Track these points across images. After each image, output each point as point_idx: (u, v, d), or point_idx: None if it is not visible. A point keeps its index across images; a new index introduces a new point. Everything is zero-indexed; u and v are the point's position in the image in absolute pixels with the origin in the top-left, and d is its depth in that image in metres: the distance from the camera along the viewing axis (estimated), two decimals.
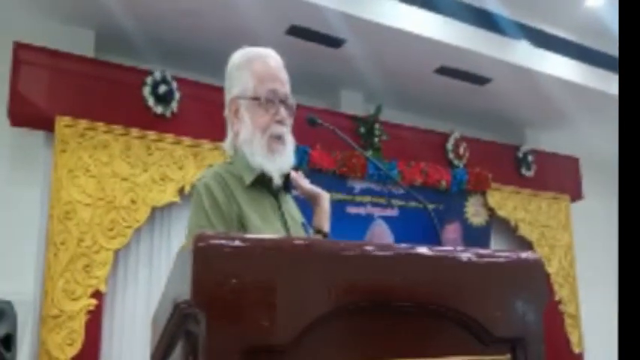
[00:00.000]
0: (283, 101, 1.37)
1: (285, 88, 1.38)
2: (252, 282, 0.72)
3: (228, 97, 1.41)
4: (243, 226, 1.24)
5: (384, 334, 0.83)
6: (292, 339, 0.73)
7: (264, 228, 1.26)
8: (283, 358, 0.73)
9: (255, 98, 1.35)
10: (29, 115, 3.18)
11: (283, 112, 1.36)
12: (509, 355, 0.92)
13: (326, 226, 1.49)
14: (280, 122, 1.36)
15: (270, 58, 1.39)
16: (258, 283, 0.73)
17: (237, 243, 0.73)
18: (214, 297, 0.70)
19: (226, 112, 1.41)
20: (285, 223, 1.34)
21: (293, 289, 0.74)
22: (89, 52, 3.48)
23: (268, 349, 0.72)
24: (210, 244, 0.71)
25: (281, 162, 1.34)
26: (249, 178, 1.32)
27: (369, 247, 0.84)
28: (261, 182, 1.34)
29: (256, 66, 1.37)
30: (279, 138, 1.35)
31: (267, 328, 0.71)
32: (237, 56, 1.42)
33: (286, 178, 1.40)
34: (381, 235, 4.09)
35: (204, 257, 0.70)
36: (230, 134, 1.41)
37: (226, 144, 1.42)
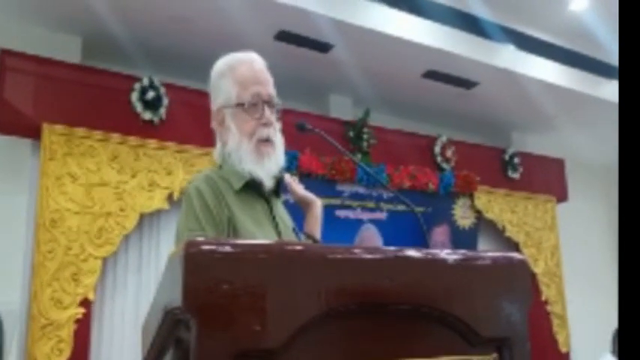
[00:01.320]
0: (267, 102, 1.36)
1: (268, 88, 1.37)
2: (243, 287, 0.73)
3: (214, 108, 1.41)
4: (234, 229, 1.24)
5: (373, 335, 0.84)
6: (283, 343, 0.74)
7: (257, 232, 1.27)
8: None
9: (239, 104, 1.35)
10: (16, 123, 3.15)
11: (268, 113, 1.35)
12: (495, 355, 0.94)
13: (317, 233, 1.50)
14: (266, 125, 1.35)
15: (252, 62, 1.39)
16: (249, 288, 0.73)
17: (227, 249, 0.74)
18: (205, 303, 0.70)
19: (213, 124, 1.41)
20: (276, 227, 1.35)
21: (283, 293, 0.75)
22: (76, 59, 3.47)
23: (259, 353, 0.73)
24: (201, 250, 0.72)
25: (270, 165, 1.34)
26: (238, 184, 1.32)
27: (357, 251, 0.85)
28: (252, 186, 1.34)
29: (238, 72, 1.37)
30: (267, 140, 1.35)
31: (258, 332, 0.72)
32: (219, 65, 1.41)
33: (277, 182, 1.40)
34: (370, 238, 4.11)
35: (195, 263, 0.71)
36: (218, 144, 1.41)
37: (215, 153, 1.42)
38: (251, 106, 1.34)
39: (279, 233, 1.34)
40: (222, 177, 1.33)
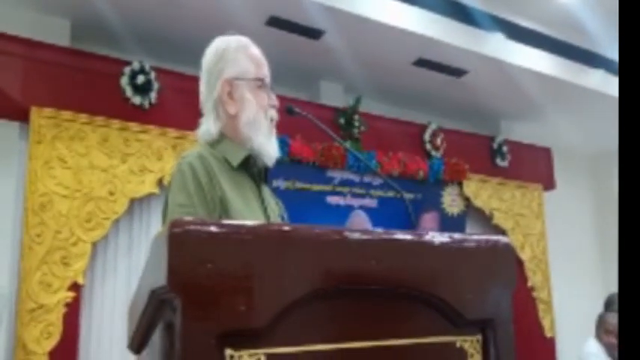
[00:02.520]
0: (271, 89, 1.42)
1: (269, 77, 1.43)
2: (228, 267, 0.74)
3: (217, 79, 1.37)
4: (225, 209, 1.23)
5: (359, 316, 0.85)
6: (268, 322, 0.75)
7: (246, 212, 1.27)
8: (259, 341, 0.74)
9: (258, 79, 1.38)
10: (3, 106, 3.11)
11: (274, 97, 1.41)
12: (479, 336, 0.95)
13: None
14: (274, 107, 1.40)
15: (257, 48, 1.43)
16: (234, 268, 0.74)
17: (212, 229, 0.75)
18: (190, 282, 0.71)
19: (214, 96, 1.36)
20: (265, 210, 1.35)
21: (269, 273, 0.76)
22: (65, 42, 3.42)
23: (244, 332, 0.74)
24: (186, 230, 0.72)
25: (276, 145, 1.39)
26: (236, 160, 1.32)
27: (344, 232, 0.86)
28: (245, 167, 1.35)
29: (251, 51, 1.40)
30: (272, 121, 1.40)
31: (243, 312, 0.73)
32: (228, 40, 1.42)
33: (266, 167, 1.41)
34: (360, 224, 4.13)
35: (180, 243, 0.71)
36: (215, 121, 1.36)
37: (209, 129, 1.37)
38: (265, 85, 1.39)
39: (267, 217, 1.35)
40: (215, 155, 1.32)
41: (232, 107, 1.36)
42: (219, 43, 1.42)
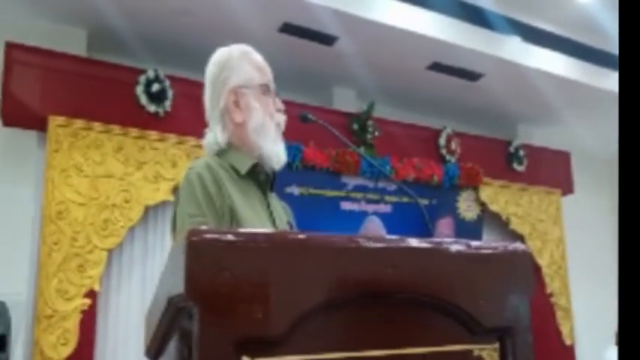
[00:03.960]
0: (276, 94, 1.42)
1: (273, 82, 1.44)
2: (245, 275, 0.73)
3: (222, 89, 1.38)
4: (234, 217, 1.23)
5: (376, 325, 0.85)
6: (285, 330, 0.74)
7: (255, 220, 1.27)
8: (276, 349, 0.74)
9: (263, 85, 1.38)
10: (22, 115, 3.17)
11: (279, 102, 1.41)
12: (497, 344, 0.94)
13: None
14: (280, 111, 1.41)
15: (259, 54, 1.44)
16: (251, 276, 0.74)
17: (230, 237, 0.74)
18: (207, 290, 0.71)
19: (221, 105, 1.38)
20: (272, 218, 1.35)
21: (286, 281, 0.76)
22: (81, 52, 3.48)
23: (261, 340, 0.73)
24: (204, 239, 0.72)
25: (283, 151, 1.39)
26: (244, 168, 1.32)
27: (359, 239, 0.85)
28: (252, 175, 1.35)
29: (254, 58, 1.41)
30: (279, 125, 1.40)
31: (260, 320, 0.73)
32: (231, 49, 1.42)
33: (273, 175, 1.41)
34: (374, 230, 4.12)
35: (198, 251, 0.71)
36: (223, 131, 1.38)
37: (216, 139, 1.38)
38: (270, 91, 1.40)
39: (274, 224, 1.35)
40: (222, 165, 1.32)
41: (239, 115, 1.36)
42: (221, 53, 1.43)
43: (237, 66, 1.39)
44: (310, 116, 1.50)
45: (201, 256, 0.71)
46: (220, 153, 1.37)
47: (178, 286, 0.72)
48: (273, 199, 1.43)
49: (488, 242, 1.00)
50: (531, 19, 4.23)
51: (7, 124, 3.18)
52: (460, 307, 0.90)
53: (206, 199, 1.22)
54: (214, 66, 1.42)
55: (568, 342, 4.87)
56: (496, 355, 0.93)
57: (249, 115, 1.36)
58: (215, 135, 1.38)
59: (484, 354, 0.93)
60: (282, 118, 1.41)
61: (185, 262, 0.70)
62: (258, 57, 1.42)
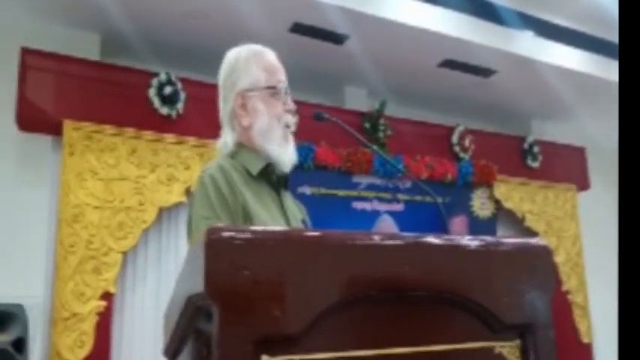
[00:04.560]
0: (287, 93, 1.40)
1: (286, 82, 1.42)
2: (264, 273, 0.73)
3: (231, 92, 1.39)
4: (247, 217, 1.24)
5: (394, 322, 0.84)
6: (304, 328, 0.74)
7: (268, 220, 1.27)
8: (295, 347, 0.74)
9: (270, 87, 1.37)
10: (37, 120, 3.20)
11: (290, 101, 1.40)
12: (518, 341, 0.93)
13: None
14: (290, 112, 1.39)
15: (272, 53, 1.43)
16: (270, 274, 0.74)
17: (248, 235, 0.74)
18: (227, 288, 0.71)
19: (229, 108, 1.39)
20: (286, 217, 1.35)
21: (304, 279, 0.76)
22: (95, 56, 3.51)
23: (280, 338, 0.73)
24: (222, 237, 0.72)
25: (292, 152, 1.38)
26: (255, 169, 1.33)
27: (376, 237, 0.85)
28: (264, 175, 1.35)
29: (264, 59, 1.40)
30: (288, 127, 1.39)
31: (278, 317, 0.73)
32: (241, 51, 1.42)
33: (285, 175, 1.40)
34: (387, 229, 4.10)
35: (217, 250, 0.71)
36: (231, 133, 1.39)
37: (226, 141, 1.39)
38: (278, 92, 1.38)
39: (288, 223, 1.35)
40: (234, 166, 1.33)
41: (245, 119, 1.37)
42: (231, 55, 1.43)
43: (244, 68, 1.38)
44: (325, 115, 1.49)
45: (219, 254, 0.71)
46: (233, 154, 1.38)
47: (198, 285, 0.72)
48: (288, 198, 1.43)
49: (507, 237, 0.98)
50: (544, 14, 4.18)
51: (22, 128, 3.22)
52: (480, 304, 0.90)
53: (219, 201, 1.23)
54: (224, 69, 1.43)
55: (585, 340, 4.81)
56: (517, 352, 0.92)
57: (255, 118, 1.36)
58: (226, 137, 1.40)
59: (505, 351, 0.91)
60: (292, 120, 1.40)
61: (204, 261, 0.70)
62: (269, 57, 1.41)
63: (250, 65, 1.38)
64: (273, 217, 1.31)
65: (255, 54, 1.40)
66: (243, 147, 1.37)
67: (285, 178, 1.40)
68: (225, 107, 1.41)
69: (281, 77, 1.40)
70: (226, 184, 1.26)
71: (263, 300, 0.72)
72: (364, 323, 0.81)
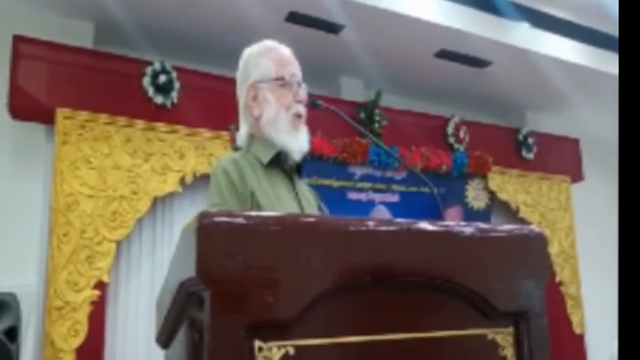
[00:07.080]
0: (300, 85, 1.46)
1: (300, 74, 1.47)
2: (256, 258, 0.72)
3: (243, 85, 1.45)
4: (257, 205, 1.28)
5: (388, 309, 0.84)
6: (296, 314, 0.73)
7: (278, 205, 1.31)
8: (288, 333, 0.73)
9: (279, 78, 1.41)
10: (30, 109, 3.17)
11: (302, 92, 1.45)
12: (512, 329, 0.93)
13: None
14: (300, 102, 1.44)
15: (286, 48, 1.49)
16: (262, 259, 0.73)
17: (240, 220, 0.74)
18: (219, 274, 0.70)
19: (242, 102, 1.45)
20: (299, 202, 1.39)
21: (296, 265, 0.75)
22: (88, 44, 3.47)
23: (273, 324, 0.72)
24: (214, 222, 0.71)
25: (302, 140, 1.42)
26: (266, 158, 1.37)
27: (371, 223, 0.84)
28: (277, 163, 1.39)
29: (276, 52, 1.46)
30: (299, 116, 1.43)
31: (271, 303, 0.72)
32: (255, 47, 1.48)
33: (298, 162, 1.44)
34: None
35: (208, 234, 0.70)
36: (244, 125, 1.45)
37: (241, 133, 1.46)
38: (288, 83, 1.43)
39: (302, 208, 1.39)
40: (248, 158, 1.39)
41: (256, 110, 1.43)
42: (246, 52, 1.50)
43: (256, 62, 1.45)
44: (320, 102, 1.51)
45: (212, 239, 0.71)
46: (247, 146, 1.44)
47: (189, 271, 0.71)
48: (302, 184, 1.48)
49: (502, 225, 0.98)
50: (540, 5, 4.17)
51: (15, 117, 3.19)
52: (474, 291, 0.89)
53: (229, 187, 1.29)
54: (240, 65, 1.49)
55: (578, 331, 4.84)
56: (511, 339, 0.92)
57: (264, 108, 1.41)
58: (241, 130, 1.48)
59: (498, 338, 0.92)
60: (303, 110, 1.45)
61: (196, 246, 0.70)
62: (281, 51, 1.47)
63: (262, 58, 1.45)
64: (284, 202, 1.34)
65: (268, 48, 1.47)
66: (255, 138, 1.43)
67: (299, 165, 1.44)
68: (240, 101, 1.47)
69: (292, 69, 1.45)
70: (237, 172, 1.32)
71: (256, 285, 0.71)
72: (358, 309, 0.81)
